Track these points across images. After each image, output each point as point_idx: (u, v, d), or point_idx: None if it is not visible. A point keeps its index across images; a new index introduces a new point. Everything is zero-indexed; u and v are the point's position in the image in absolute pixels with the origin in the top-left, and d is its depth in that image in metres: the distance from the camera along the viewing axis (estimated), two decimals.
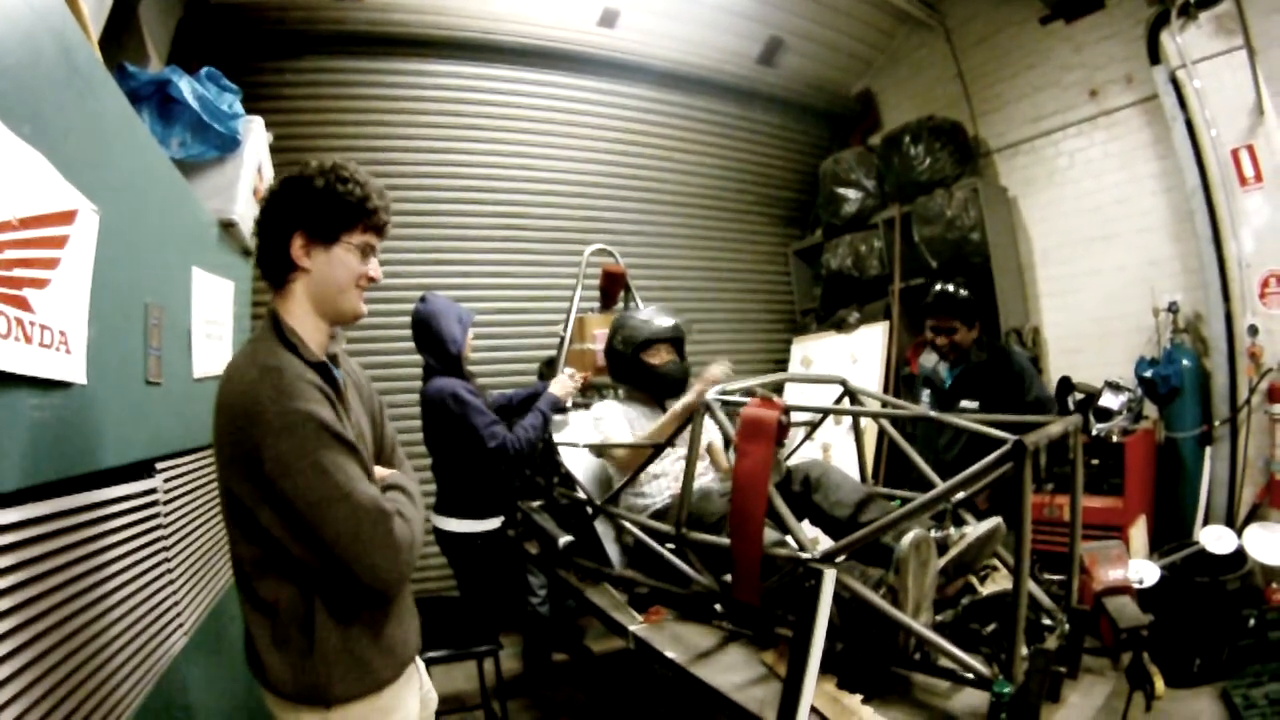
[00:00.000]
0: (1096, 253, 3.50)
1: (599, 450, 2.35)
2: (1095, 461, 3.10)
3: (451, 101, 3.88)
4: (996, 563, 1.70)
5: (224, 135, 2.08)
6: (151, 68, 2.36)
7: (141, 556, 1.40)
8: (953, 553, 1.49)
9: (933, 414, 1.85)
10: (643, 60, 4.15)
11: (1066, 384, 3.40)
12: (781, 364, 4.68)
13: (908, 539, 1.36)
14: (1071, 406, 3.31)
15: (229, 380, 1.08)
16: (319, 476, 1.02)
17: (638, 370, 2.38)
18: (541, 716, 2.85)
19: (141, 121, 1.71)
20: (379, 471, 1.26)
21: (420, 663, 1.35)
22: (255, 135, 2.25)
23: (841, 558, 1.38)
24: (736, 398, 1.69)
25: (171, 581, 1.53)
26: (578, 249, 4.13)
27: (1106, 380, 3.18)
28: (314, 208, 1.15)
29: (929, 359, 2.78)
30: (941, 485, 1.37)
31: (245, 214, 2.19)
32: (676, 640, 1.71)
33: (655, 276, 4.44)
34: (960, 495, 1.62)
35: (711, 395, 1.72)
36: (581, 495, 2.32)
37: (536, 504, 2.61)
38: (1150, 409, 3.23)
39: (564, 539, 2.26)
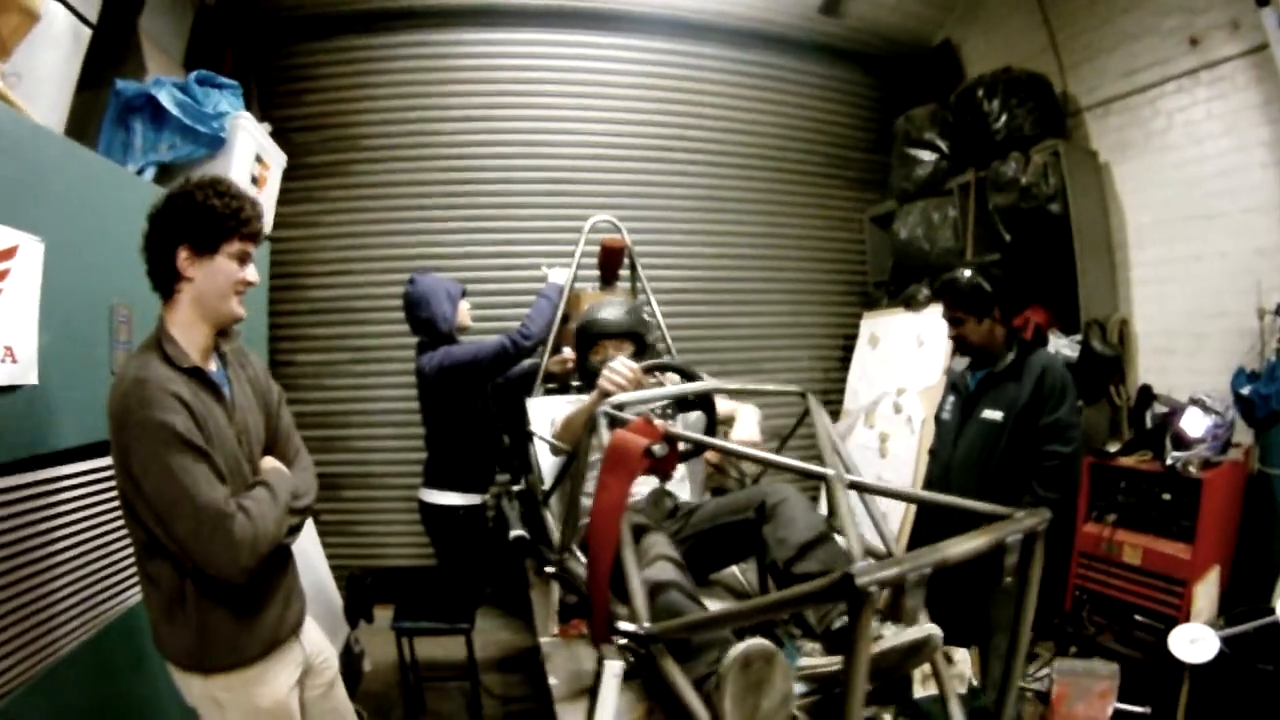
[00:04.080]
0: (1196, 234, 3.14)
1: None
2: (1166, 496, 2.86)
3: (485, 69, 4.18)
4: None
5: (208, 135, 2.46)
6: (165, 71, 2.80)
7: (101, 520, 1.81)
8: None
9: (844, 476, 1.37)
10: (687, 14, 4.20)
11: (1147, 394, 3.16)
12: (851, 340, 4.64)
13: (733, 653, 1.17)
14: (1149, 423, 3.08)
15: (112, 388, 1.35)
16: (167, 479, 1.27)
17: (585, 372, 2.36)
18: (534, 693, 3.04)
19: (90, 151, 2.02)
20: (264, 464, 1.56)
21: (312, 633, 1.71)
22: (244, 131, 2.60)
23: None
24: (625, 415, 1.60)
25: (126, 546, 1.91)
26: (628, 214, 4.23)
27: (1192, 397, 2.90)
28: (195, 221, 1.39)
29: (960, 361, 2.62)
30: (760, 600, 1.35)
31: None
32: (572, 664, 1.73)
33: (711, 243, 4.56)
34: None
35: (606, 407, 1.66)
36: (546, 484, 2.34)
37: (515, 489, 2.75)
38: (1244, 432, 2.90)
39: (515, 532, 2.40)
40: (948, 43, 4.49)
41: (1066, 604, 3.06)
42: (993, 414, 2.38)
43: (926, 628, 1.27)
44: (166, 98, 2.34)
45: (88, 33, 2.26)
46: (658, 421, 1.47)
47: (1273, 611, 2.33)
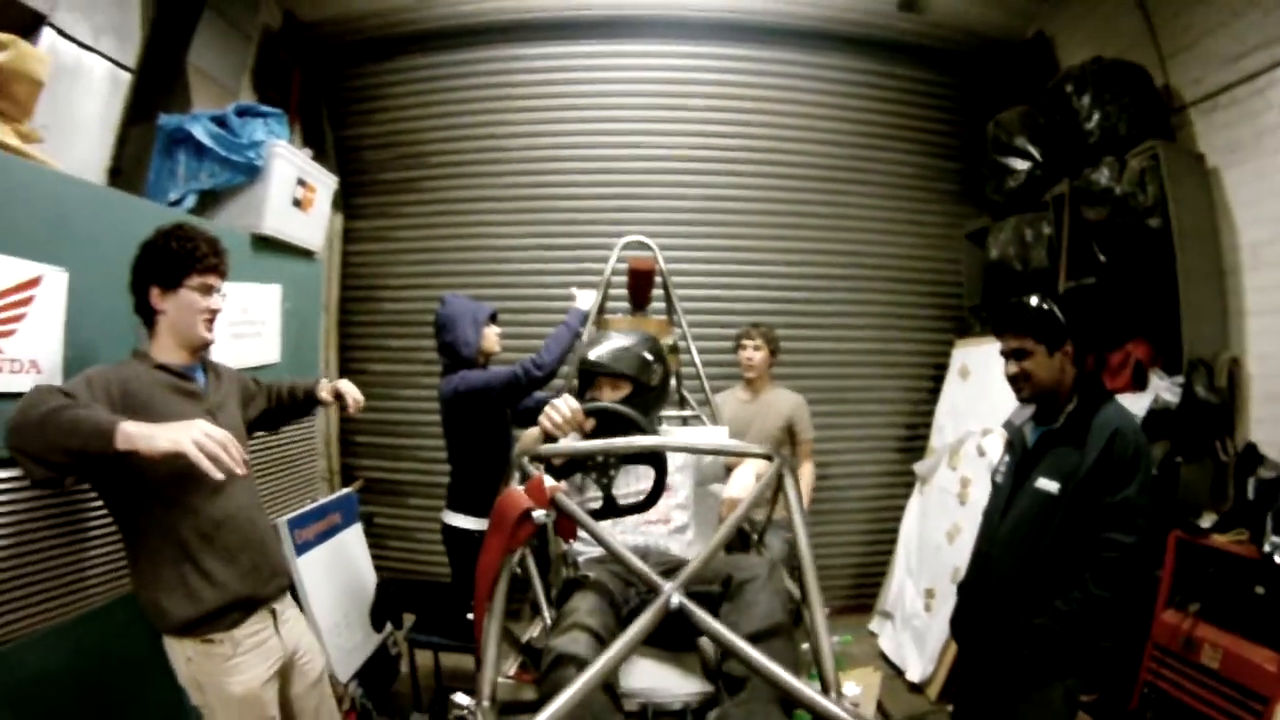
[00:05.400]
0: None
1: None
2: (1260, 590, 2.58)
3: (547, 84, 4.63)
4: None
5: (244, 164, 2.94)
6: (216, 100, 3.45)
7: None
8: None
9: (675, 599, 1.20)
10: (755, 17, 4.44)
11: (1252, 455, 2.91)
12: (943, 369, 4.64)
13: None
14: (1251, 493, 2.84)
15: None
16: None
17: None
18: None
19: (112, 189, 2.61)
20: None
21: (295, 631, 2.12)
22: (281, 158, 3.09)
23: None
24: (530, 468, 1.65)
25: None
26: (701, 230, 4.66)
27: None
28: (159, 263, 1.89)
29: (1022, 410, 2.34)
30: None
31: (280, 225, 3.13)
32: None
33: (790, 262, 4.75)
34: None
35: (524, 458, 1.73)
36: None
37: None
38: None
39: None
40: (1041, 35, 4.42)
41: (1133, 699, 2.89)
42: (1048, 484, 2.11)
43: None
44: (201, 131, 2.84)
45: (127, 76, 2.89)
46: (549, 484, 1.48)
47: None
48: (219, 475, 1.57)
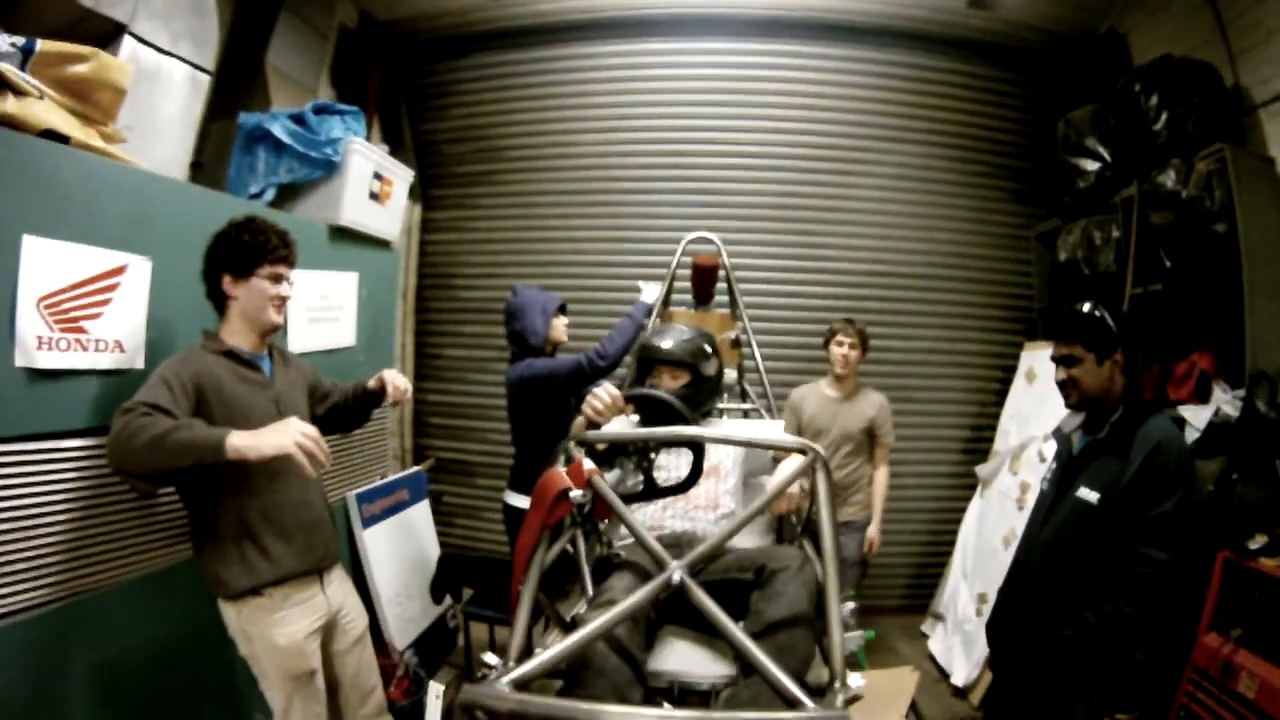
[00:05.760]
0: None
1: None
2: None
3: (620, 80, 4.78)
4: None
5: (322, 160, 3.12)
6: (294, 98, 3.74)
7: None
8: None
9: (678, 575, 1.29)
10: (825, 15, 4.46)
11: None
12: (1011, 372, 4.56)
13: None
14: None
15: None
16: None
17: None
18: None
19: (194, 185, 2.81)
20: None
21: (339, 591, 2.28)
22: (357, 154, 3.26)
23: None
24: (574, 451, 1.76)
25: None
26: (764, 225, 4.76)
27: None
28: (232, 252, 2.08)
29: (1073, 418, 2.35)
30: None
31: (357, 217, 3.32)
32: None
33: (857, 260, 4.78)
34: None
35: (571, 443, 1.83)
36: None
37: None
38: None
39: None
40: (1113, 31, 4.26)
41: None
42: (1088, 494, 2.12)
43: None
44: (280, 129, 3.01)
45: (206, 78, 3.13)
46: (588, 466, 1.59)
47: None
48: (314, 472, 1.77)
